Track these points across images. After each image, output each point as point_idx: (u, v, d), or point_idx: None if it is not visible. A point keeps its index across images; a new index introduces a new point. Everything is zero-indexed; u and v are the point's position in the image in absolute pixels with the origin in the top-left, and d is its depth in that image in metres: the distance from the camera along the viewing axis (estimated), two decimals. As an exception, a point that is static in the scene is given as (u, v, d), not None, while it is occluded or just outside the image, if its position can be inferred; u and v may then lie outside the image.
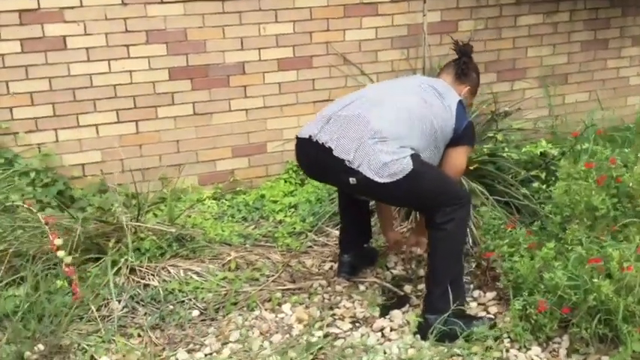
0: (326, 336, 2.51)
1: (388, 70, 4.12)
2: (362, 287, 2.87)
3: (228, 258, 3.10)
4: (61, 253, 2.41)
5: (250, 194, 3.86)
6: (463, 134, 2.60)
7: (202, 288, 2.84)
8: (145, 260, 2.99)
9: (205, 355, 2.44)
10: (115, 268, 2.88)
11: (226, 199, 3.84)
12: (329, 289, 2.87)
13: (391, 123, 2.42)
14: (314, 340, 2.47)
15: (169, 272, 2.95)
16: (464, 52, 2.81)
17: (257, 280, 2.94)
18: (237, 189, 3.94)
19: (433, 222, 2.48)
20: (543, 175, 3.19)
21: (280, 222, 3.54)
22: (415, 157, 2.40)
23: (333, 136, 2.41)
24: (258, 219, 3.62)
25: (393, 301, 2.77)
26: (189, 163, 3.86)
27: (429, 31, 4.12)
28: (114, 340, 2.51)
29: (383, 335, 2.52)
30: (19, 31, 3.38)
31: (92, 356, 2.42)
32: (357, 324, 2.60)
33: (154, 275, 2.92)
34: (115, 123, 3.67)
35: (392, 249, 3.04)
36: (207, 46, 3.72)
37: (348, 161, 2.36)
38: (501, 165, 3.41)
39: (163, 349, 2.49)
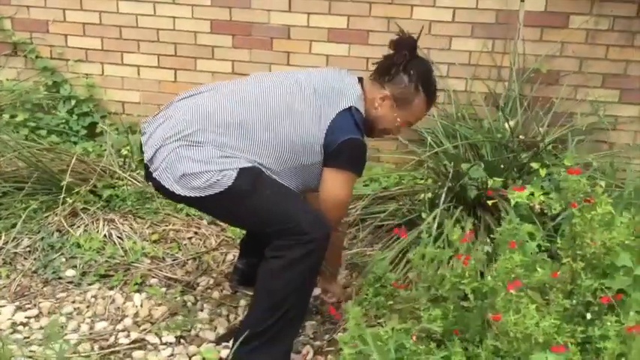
0: (134, 342, 2.22)
1: (464, 61, 3.37)
2: (243, 302, 2.46)
3: (165, 228, 2.92)
4: None
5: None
6: (337, 153, 1.99)
7: (101, 250, 2.72)
8: (97, 208, 2.96)
9: (25, 318, 2.34)
10: (64, 207, 2.92)
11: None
12: (207, 292, 2.52)
13: (219, 126, 1.96)
14: (121, 341, 2.21)
15: (97, 225, 2.89)
16: (405, 44, 2.10)
17: (161, 259, 2.72)
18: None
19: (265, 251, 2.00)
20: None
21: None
22: (248, 171, 1.93)
23: (155, 125, 2.04)
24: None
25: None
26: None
27: (526, 21, 3.25)
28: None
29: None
30: (76, -37, 3.51)
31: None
32: (183, 340, 2.24)
33: (86, 225, 2.88)
34: (156, 67, 3.65)
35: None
36: (253, 2, 3.44)
37: (147, 161, 1.98)
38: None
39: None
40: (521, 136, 2.74)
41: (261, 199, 1.93)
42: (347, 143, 1.98)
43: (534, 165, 2.79)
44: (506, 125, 3.03)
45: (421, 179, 3.05)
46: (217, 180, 1.89)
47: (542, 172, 2.74)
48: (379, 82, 2.10)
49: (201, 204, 1.98)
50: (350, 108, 2.00)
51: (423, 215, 2.70)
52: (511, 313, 1.49)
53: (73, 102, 3.69)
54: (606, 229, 1.67)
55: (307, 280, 1.99)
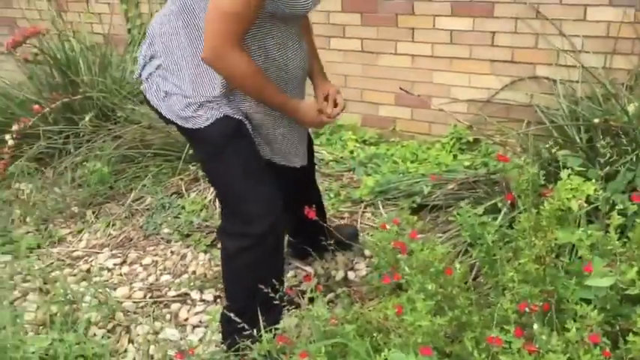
0: (179, 295, 2.47)
1: (601, 34, 2.94)
2: (291, 273, 2.54)
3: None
4: (7, 137, 3.01)
5: (399, 148, 3.53)
6: None
7: (199, 213, 3.01)
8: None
9: (113, 265, 2.74)
10: (188, 172, 3.32)
11: (374, 146, 3.62)
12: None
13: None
14: (169, 294, 2.48)
15: (208, 192, 3.20)
16: None
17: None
18: (391, 139, 3.65)
19: None
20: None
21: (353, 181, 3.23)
22: (229, 123, 1.81)
23: None
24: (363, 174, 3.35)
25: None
26: (354, 101, 3.75)
27: (676, -16, 2.71)
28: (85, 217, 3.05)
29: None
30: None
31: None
32: (219, 300, 2.43)
33: (200, 190, 3.23)
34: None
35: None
36: (378, -21, 3.42)
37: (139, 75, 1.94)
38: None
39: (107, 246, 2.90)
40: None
41: (225, 165, 1.85)
42: None
43: (641, 155, 2.36)
44: (630, 108, 2.59)
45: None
46: (193, 115, 1.80)
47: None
48: None
49: (183, 133, 1.91)
50: None
51: (499, 204, 2.48)
52: (389, 308, 1.36)
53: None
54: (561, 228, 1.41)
55: (245, 277, 1.90)
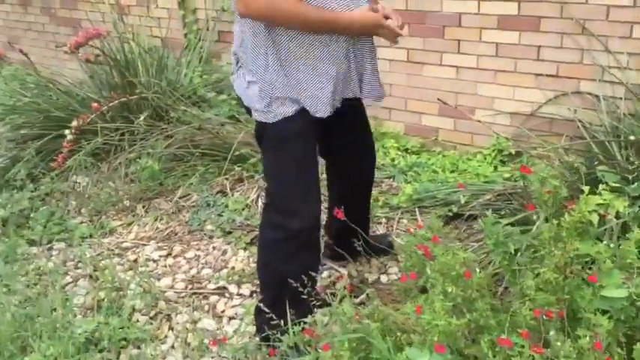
0: (218, 289, 2.59)
1: (648, 51, 2.94)
2: (325, 274, 2.63)
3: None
4: (66, 132, 3.18)
5: (440, 158, 3.58)
6: None
7: (241, 212, 3.14)
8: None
9: (158, 257, 2.89)
10: (232, 173, 3.45)
11: (416, 155, 3.69)
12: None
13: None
14: (209, 286, 2.61)
15: (252, 192, 3.33)
16: None
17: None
18: (432, 149, 3.71)
19: None
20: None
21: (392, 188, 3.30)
22: (296, 120, 1.88)
23: None
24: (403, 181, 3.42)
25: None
26: (398, 110, 3.83)
27: None
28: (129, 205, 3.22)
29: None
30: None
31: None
32: (255, 294, 2.53)
33: (244, 190, 3.36)
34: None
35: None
36: (426, -10, 3.49)
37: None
38: None
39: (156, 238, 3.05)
40: None
41: (283, 162, 1.95)
42: None
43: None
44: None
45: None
46: (264, 110, 1.87)
47: None
48: None
49: (255, 121, 1.97)
50: None
51: (533, 217, 2.52)
52: (409, 305, 1.44)
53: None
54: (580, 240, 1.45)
55: (278, 269, 1.99)
